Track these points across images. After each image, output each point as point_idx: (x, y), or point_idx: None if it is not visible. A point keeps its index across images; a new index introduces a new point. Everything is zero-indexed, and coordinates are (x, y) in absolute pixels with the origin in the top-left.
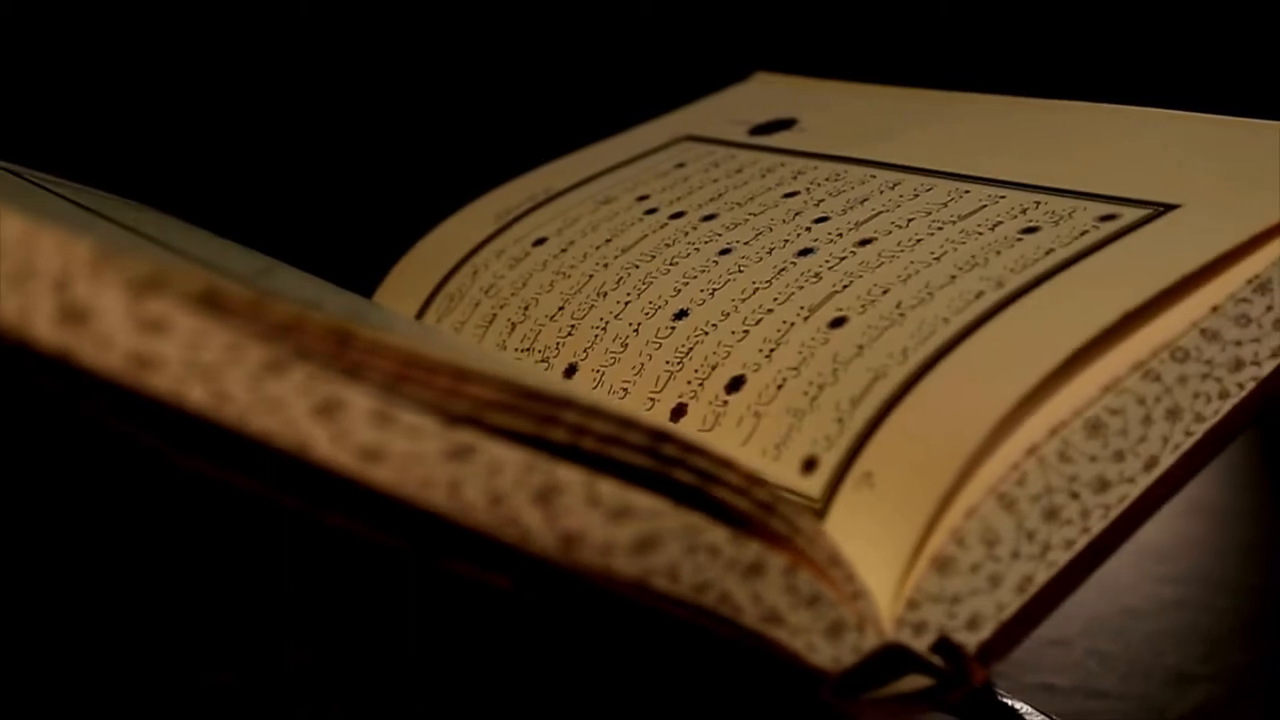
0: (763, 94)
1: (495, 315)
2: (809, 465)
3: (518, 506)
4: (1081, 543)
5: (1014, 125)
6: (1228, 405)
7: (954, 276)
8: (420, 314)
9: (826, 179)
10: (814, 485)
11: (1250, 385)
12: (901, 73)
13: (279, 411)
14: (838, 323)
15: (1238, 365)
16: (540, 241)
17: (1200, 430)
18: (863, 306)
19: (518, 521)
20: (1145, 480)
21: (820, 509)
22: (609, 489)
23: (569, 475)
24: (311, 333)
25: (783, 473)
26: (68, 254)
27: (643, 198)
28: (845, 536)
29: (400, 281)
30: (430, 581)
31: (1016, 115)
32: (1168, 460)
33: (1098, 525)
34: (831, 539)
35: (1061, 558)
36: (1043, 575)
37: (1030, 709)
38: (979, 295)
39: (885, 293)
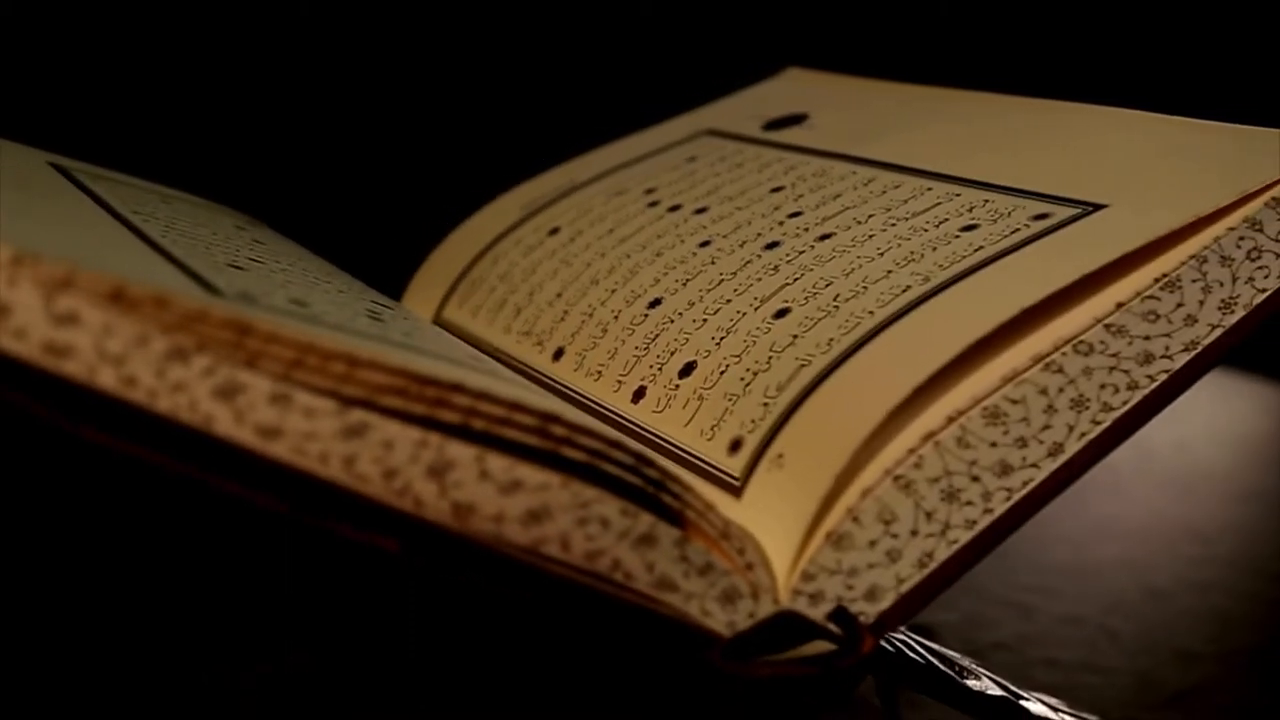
0: (787, 89)
1: (506, 300)
2: (735, 446)
3: (411, 479)
4: (984, 523)
5: (997, 124)
6: (1138, 395)
7: (890, 271)
8: (446, 298)
9: (813, 174)
10: (737, 464)
11: (1162, 378)
12: (935, 69)
13: (183, 393)
14: (781, 313)
15: (1147, 359)
16: (554, 231)
17: (1109, 419)
18: (805, 299)
19: (411, 493)
20: (1050, 465)
21: (739, 486)
22: (498, 464)
23: (460, 452)
24: (213, 324)
25: (714, 452)
26: None
27: (650, 191)
28: (757, 512)
29: (433, 267)
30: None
31: (1004, 114)
32: (1074, 447)
33: (1000, 507)
34: (722, 513)
35: (963, 536)
36: (943, 552)
37: (978, 668)
38: (905, 290)
39: (828, 286)
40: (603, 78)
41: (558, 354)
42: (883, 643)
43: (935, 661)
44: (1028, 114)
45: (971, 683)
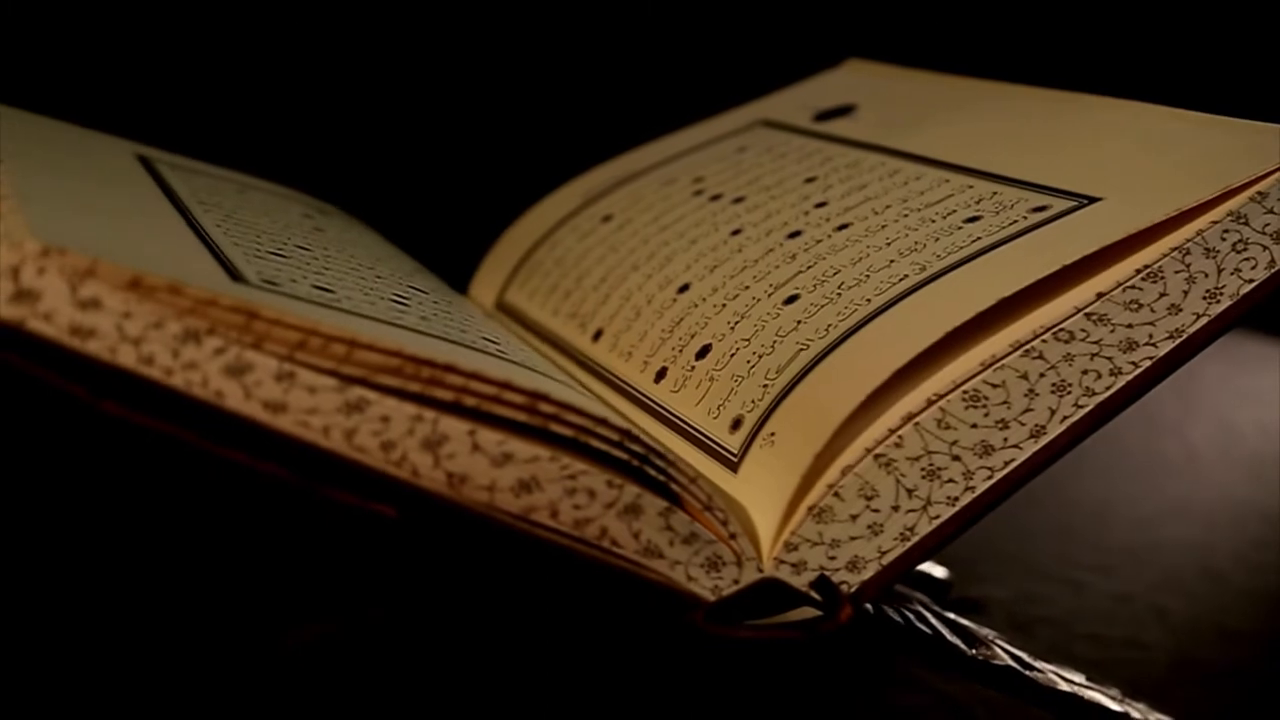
0: (843, 81)
1: (557, 285)
2: (735, 424)
3: (407, 451)
4: (966, 500)
5: (1021, 117)
6: (1122, 381)
7: (892, 261)
8: (507, 282)
9: (846, 166)
10: (735, 441)
11: (1146, 364)
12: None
13: (195, 371)
14: (791, 300)
15: (1130, 346)
16: (607, 219)
17: (1093, 403)
18: (814, 286)
19: (408, 464)
20: (1033, 446)
21: (736, 462)
22: (490, 438)
23: (453, 426)
24: (223, 308)
25: (717, 430)
26: (22, 250)
27: (698, 180)
28: (750, 486)
29: (498, 252)
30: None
31: (1030, 106)
32: (1056, 429)
33: (982, 485)
34: (707, 486)
35: (945, 512)
36: (925, 527)
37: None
38: (903, 278)
39: (836, 274)
40: (673, 69)
41: (597, 335)
42: (891, 613)
43: (945, 632)
44: (1051, 106)
45: (981, 652)
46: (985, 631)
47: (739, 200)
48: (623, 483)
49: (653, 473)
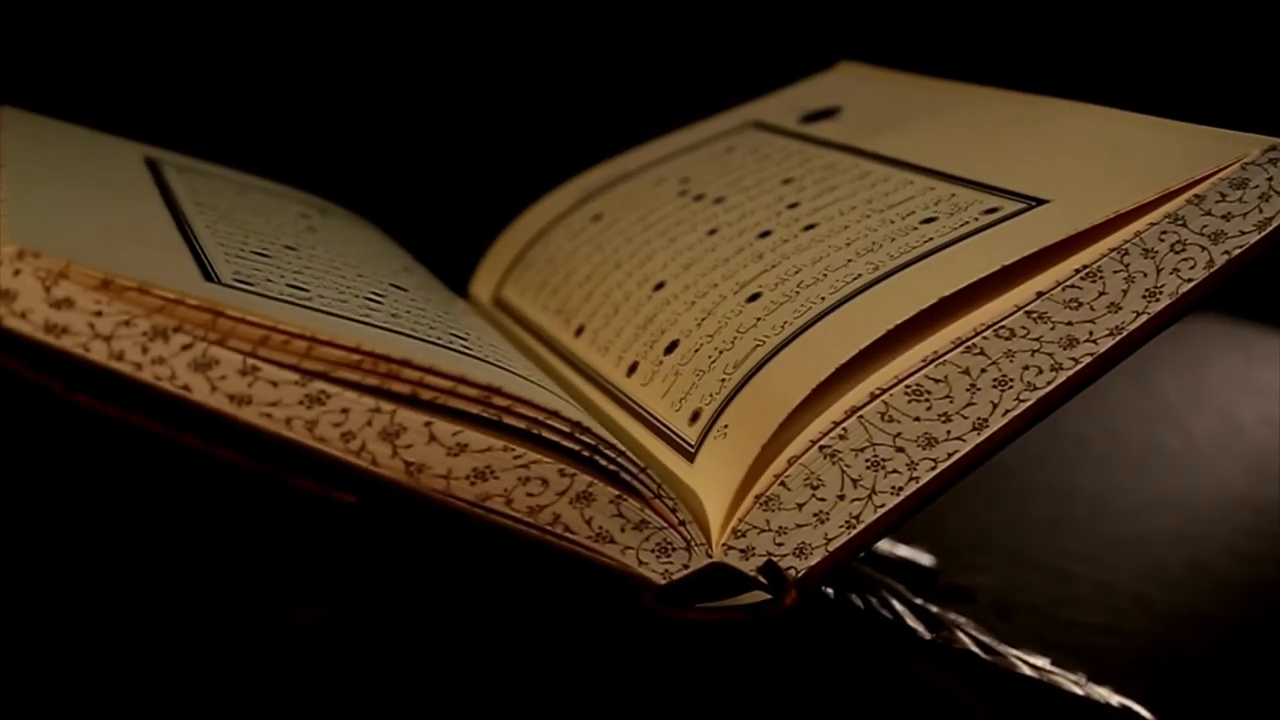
0: (833, 83)
1: (547, 281)
2: (694, 416)
3: (366, 441)
4: (910, 489)
5: (991, 119)
6: (1063, 376)
7: (850, 260)
8: (503, 278)
9: (822, 168)
10: (694, 433)
11: (1087, 360)
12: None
13: (163, 366)
14: (754, 298)
15: (1071, 342)
16: (597, 218)
17: (1034, 398)
18: (776, 284)
19: (367, 453)
20: (975, 439)
21: (693, 453)
22: (445, 428)
23: (410, 417)
24: (189, 307)
25: (679, 422)
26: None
27: (684, 180)
28: (704, 476)
29: (496, 250)
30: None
31: (1000, 109)
32: (999, 422)
33: (926, 475)
34: (658, 474)
35: (890, 501)
36: (870, 515)
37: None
38: (857, 277)
39: (798, 273)
40: (676, 69)
41: (579, 331)
42: (854, 598)
43: (906, 617)
44: (1019, 110)
45: (942, 636)
46: (956, 618)
47: (719, 200)
48: (575, 472)
49: (603, 462)
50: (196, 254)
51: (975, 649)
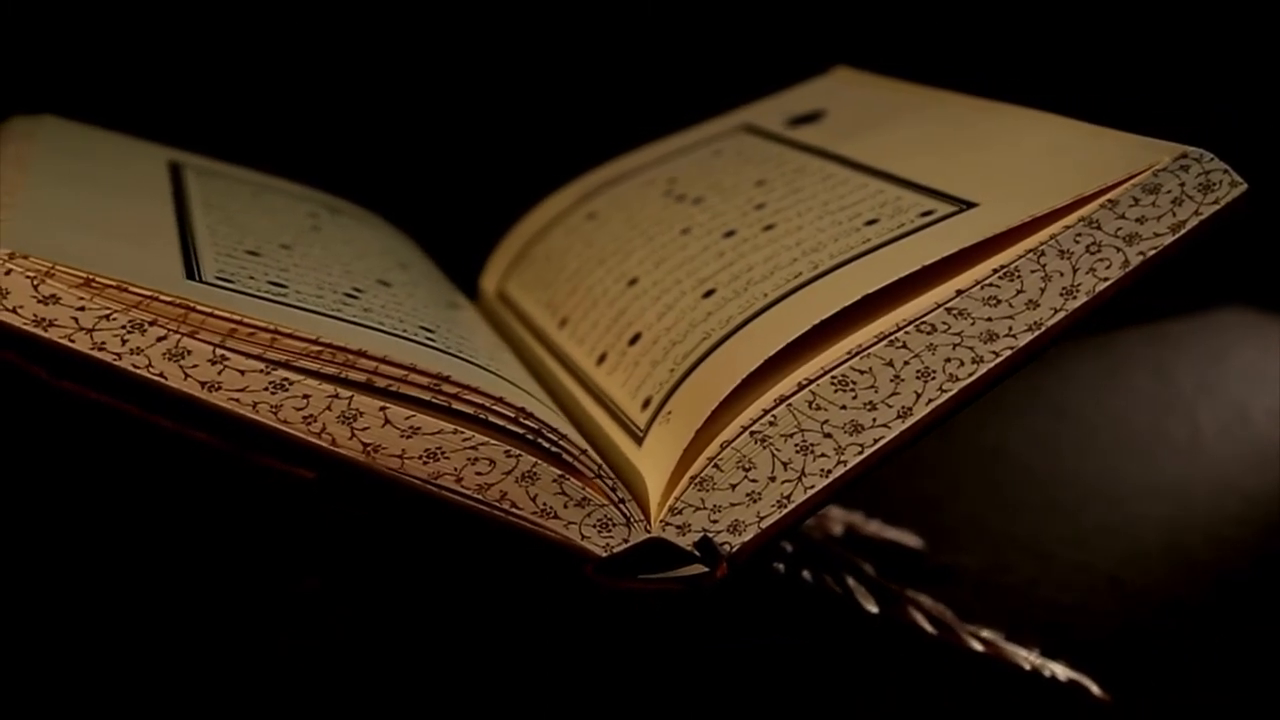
0: (824, 88)
1: (541, 277)
2: (646, 403)
3: (326, 424)
4: (839, 472)
5: (948, 125)
6: (984, 368)
7: (795, 259)
8: (506, 274)
9: (793, 170)
10: (644, 418)
11: (1007, 353)
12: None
13: (141, 355)
14: (709, 294)
15: (991, 337)
16: (591, 217)
17: (956, 388)
18: (729, 281)
19: (327, 434)
20: (900, 426)
21: (642, 437)
22: (399, 413)
23: (366, 403)
24: (163, 303)
25: (632, 408)
26: None
27: (672, 181)
28: (649, 457)
29: (502, 247)
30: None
31: (959, 115)
32: (923, 411)
33: (854, 459)
34: (596, 457)
35: (819, 483)
36: (800, 495)
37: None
38: (798, 276)
39: (749, 271)
40: (679, 69)
41: (562, 323)
42: (807, 574)
43: (855, 593)
44: (974, 115)
45: (891, 611)
46: (918, 597)
47: (698, 201)
48: (520, 452)
49: (546, 445)
50: (187, 253)
51: (925, 625)
